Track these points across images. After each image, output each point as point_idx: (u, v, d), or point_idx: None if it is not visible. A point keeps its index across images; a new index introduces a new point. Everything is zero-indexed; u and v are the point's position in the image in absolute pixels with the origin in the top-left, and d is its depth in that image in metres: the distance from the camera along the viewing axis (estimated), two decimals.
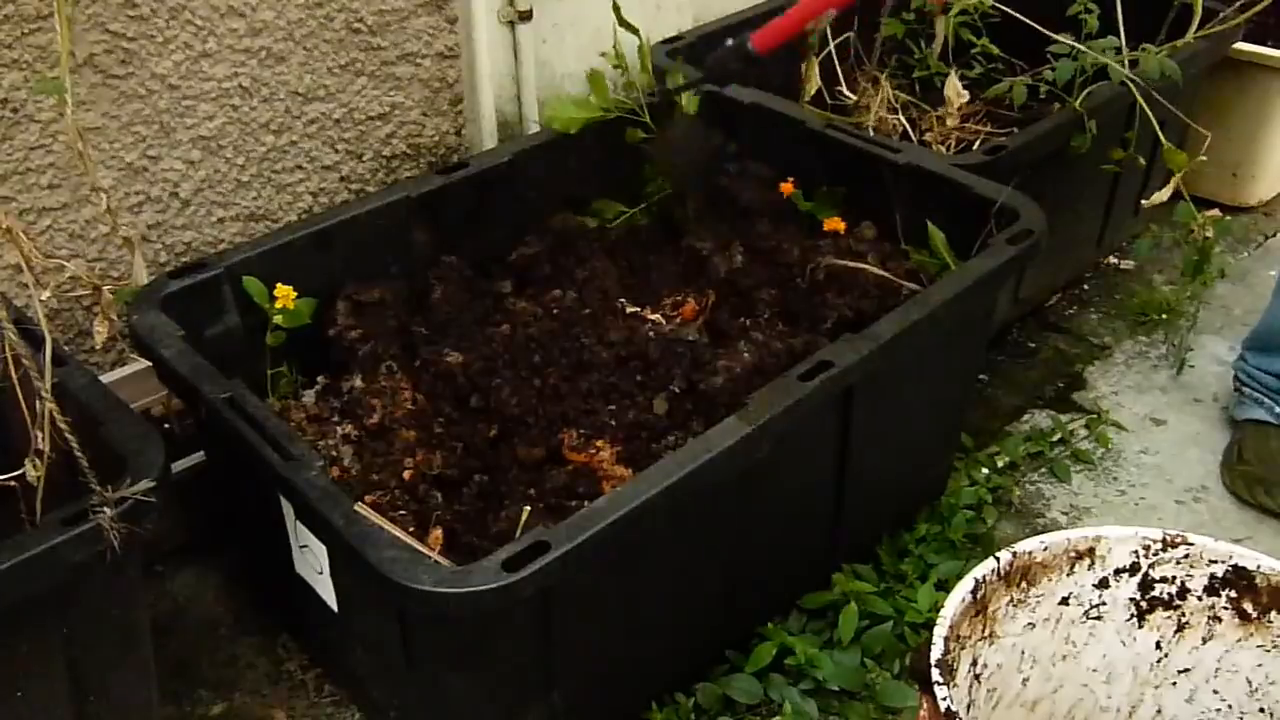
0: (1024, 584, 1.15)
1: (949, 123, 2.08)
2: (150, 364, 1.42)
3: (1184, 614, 1.17)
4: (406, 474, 1.39)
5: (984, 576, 1.11)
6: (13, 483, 1.18)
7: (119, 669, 1.20)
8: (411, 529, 1.31)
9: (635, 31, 1.82)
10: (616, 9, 1.78)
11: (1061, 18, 1.98)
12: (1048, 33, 1.96)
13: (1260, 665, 1.16)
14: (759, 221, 1.77)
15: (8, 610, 1.05)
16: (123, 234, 1.48)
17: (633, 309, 1.65)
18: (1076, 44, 1.94)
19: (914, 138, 2.07)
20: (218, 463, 1.54)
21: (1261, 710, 1.16)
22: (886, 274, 1.63)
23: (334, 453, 1.41)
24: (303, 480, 1.20)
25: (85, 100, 1.54)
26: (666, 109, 1.80)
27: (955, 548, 1.70)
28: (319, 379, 1.58)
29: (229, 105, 1.69)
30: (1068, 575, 1.16)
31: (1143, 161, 2.04)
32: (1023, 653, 1.18)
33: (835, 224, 1.75)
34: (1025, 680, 1.20)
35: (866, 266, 1.64)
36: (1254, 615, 1.14)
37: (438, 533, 1.33)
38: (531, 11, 1.98)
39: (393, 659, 1.27)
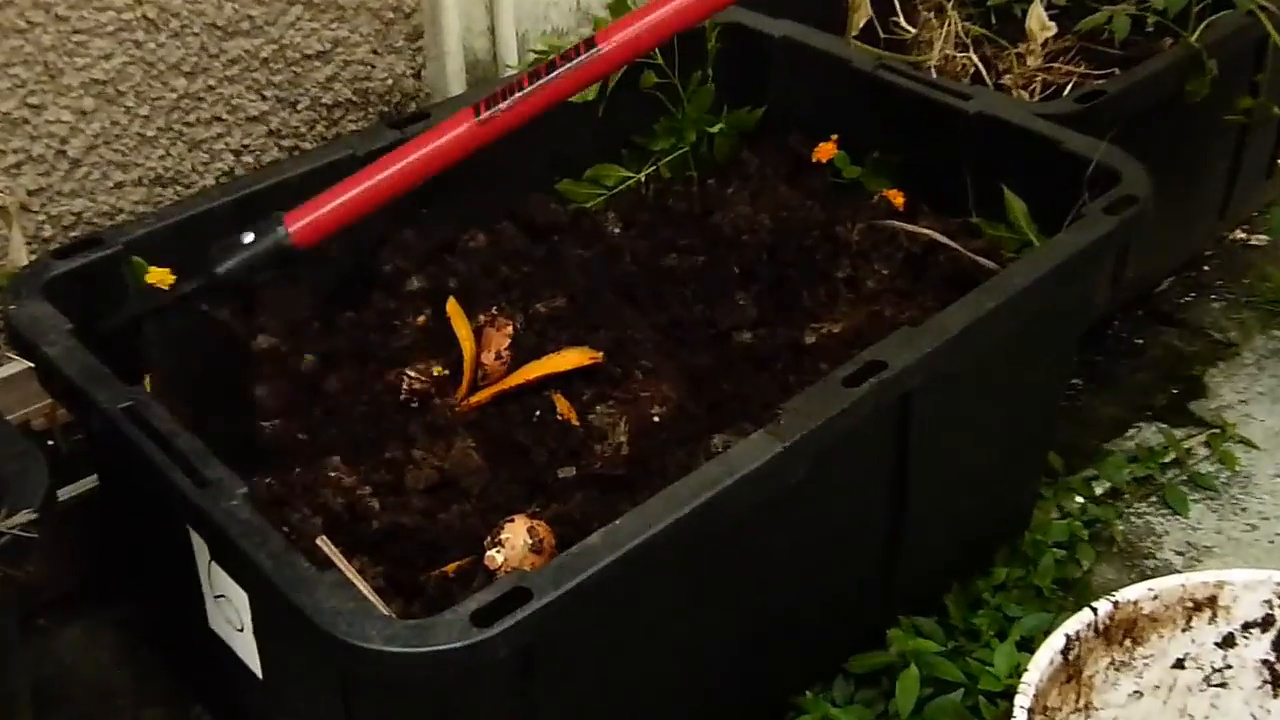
0: (1128, 642, 1.15)
1: (1032, 62, 2.08)
2: (31, 364, 1.42)
3: None
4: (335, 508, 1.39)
5: (1077, 632, 1.11)
6: None
7: None
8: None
9: None
10: None
11: None
12: None
13: None
14: (790, 192, 1.77)
15: None
16: None
17: None
18: None
19: (988, 81, 2.07)
20: (114, 489, 1.54)
21: None
22: (954, 249, 1.64)
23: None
24: (220, 511, 1.19)
25: None
26: None
27: (1042, 596, 1.70)
28: None
29: (130, 41, 1.69)
30: (1183, 631, 1.16)
31: (1277, 111, 2.04)
32: None
33: (892, 195, 1.75)
34: None
35: (930, 233, 1.64)
36: None
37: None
38: None
39: None
